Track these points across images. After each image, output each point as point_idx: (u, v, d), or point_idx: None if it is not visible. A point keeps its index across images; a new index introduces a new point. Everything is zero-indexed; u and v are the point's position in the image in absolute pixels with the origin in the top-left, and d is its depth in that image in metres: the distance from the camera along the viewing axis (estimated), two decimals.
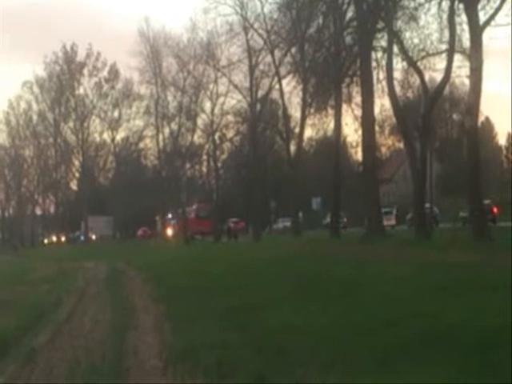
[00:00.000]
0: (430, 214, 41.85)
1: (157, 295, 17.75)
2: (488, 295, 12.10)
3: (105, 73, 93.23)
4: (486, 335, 8.34)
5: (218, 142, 76.22)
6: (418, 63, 40.21)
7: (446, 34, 37.34)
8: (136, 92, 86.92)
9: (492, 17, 32.78)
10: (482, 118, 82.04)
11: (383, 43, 42.70)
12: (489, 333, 8.46)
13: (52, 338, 12.28)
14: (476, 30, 32.43)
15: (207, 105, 73.51)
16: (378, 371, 7.07)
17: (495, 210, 51.81)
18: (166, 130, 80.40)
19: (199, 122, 76.47)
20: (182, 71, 73.93)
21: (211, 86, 71.83)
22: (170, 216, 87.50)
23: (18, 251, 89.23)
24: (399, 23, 40.81)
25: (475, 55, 32.43)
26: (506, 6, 33.03)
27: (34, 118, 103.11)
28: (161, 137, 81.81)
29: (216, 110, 72.09)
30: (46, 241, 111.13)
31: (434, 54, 40.76)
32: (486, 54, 33.08)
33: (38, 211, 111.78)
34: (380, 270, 19.21)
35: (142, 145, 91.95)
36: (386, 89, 41.77)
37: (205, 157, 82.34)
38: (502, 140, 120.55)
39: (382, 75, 42.97)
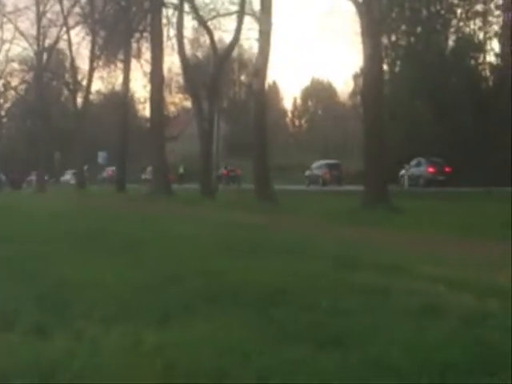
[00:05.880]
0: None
1: None
2: (269, 257, 12.55)
3: None
4: (265, 294, 8.64)
5: (1, 89, 73.98)
6: (209, 23, 40.61)
7: None
8: None
9: None
10: (269, 82, 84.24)
11: (175, 0, 42.71)
12: (268, 292, 8.77)
13: None
14: None
15: None
16: (159, 326, 7.14)
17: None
18: None
19: None
20: None
21: None
22: None
23: None
24: None
25: (264, 18, 33.16)
26: None
27: None
28: None
29: (0, 57, 69.86)
30: None
31: (224, 15, 41.31)
32: (276, 17, 33.97)
33: None
34: (164, 227, 19.34)
35: None
36: (175, 46, 41.96)
37: None
38: (287, 104, 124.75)
39: (172, 32, 43.08)
